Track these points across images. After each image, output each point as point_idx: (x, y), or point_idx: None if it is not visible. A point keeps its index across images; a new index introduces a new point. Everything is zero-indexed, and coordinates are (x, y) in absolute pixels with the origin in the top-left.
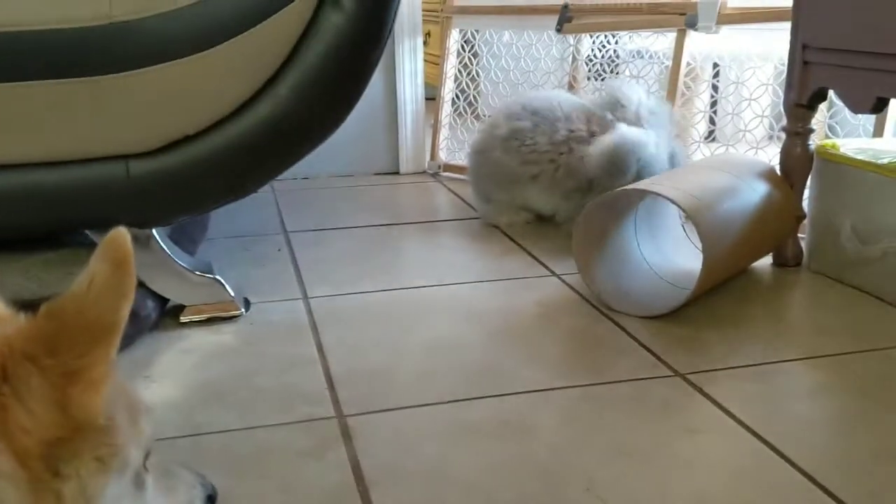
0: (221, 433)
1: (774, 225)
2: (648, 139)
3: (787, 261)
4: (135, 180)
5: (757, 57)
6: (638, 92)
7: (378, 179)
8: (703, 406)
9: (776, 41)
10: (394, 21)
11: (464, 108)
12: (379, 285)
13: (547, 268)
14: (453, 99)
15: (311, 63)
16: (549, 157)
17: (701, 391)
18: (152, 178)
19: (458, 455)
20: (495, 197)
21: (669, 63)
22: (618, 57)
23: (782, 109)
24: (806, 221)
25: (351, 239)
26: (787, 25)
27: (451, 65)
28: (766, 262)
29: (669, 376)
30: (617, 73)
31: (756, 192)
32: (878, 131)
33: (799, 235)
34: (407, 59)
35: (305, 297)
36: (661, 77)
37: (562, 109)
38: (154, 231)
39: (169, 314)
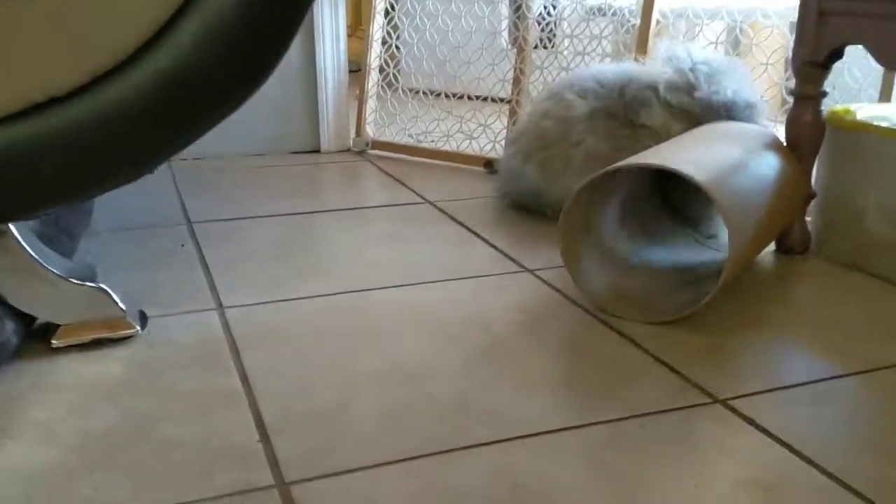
0: None
1: (786, 205)
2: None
3: (795, 247)
4: None
5: (703, 13)
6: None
7: (296, 159)
8: (768, 449)
9: None
10: None
11: (394, 75)
12: (312, 289)
13: (516, 262)
14: (381, 66)
15: (222, 4)
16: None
17: (757, 426)
18: (9, 153)
19: None
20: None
21: (635, 21)
22: (572, 15)
23: (791, 68)
24: (814, 201)
25: (270, 230)
26: None
27: (377, 25)
28: (767, 250)
29: (708, 403)
30: (573, 34)
31: (768, 166)
32: (886, 96)
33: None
34: (328, 20)
35: (220, 308)
36: (623, 36)
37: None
38: (12, 226)
39: (36, 337)
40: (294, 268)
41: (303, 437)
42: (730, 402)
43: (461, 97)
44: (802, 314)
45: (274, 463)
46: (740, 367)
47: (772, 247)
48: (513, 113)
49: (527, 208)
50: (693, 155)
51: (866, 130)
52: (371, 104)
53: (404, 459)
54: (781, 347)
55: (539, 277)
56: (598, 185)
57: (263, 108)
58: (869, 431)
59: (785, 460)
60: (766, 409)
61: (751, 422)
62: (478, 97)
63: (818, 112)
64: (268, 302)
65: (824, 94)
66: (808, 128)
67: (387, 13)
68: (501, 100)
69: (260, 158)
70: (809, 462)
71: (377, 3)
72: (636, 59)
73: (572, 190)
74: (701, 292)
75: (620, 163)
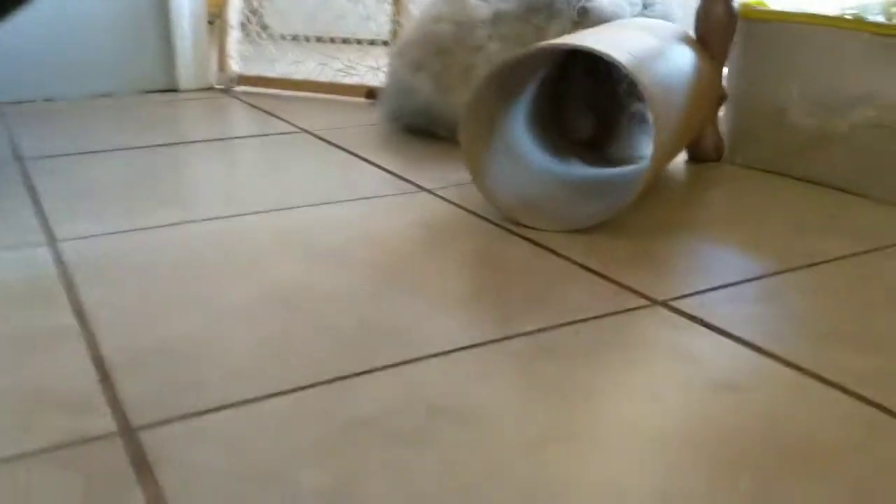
0: None
1: (702, 105)
2: None
3: (708, 154)
4: None
5: None
6: None
7: (150, 99)
8: (726, 348)
9: None
10: None
11: (259, 3)
12: (166, 217)
13: (411, 182)
14: None
15: None
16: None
17: (708, 325)
18: None
19: (360, 484)
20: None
21: None
22: None
23: None
24: (725, 105)
25: (118, 163)
26: None
27: None
28: (678, 159)
29: (647, 306)
30: None
31: (685, 60)
32: None
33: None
34: None
35: (52, 241)
36: None
37: None
38: None
39: None
40: (145, 197)
41: (154, 376)
42: (671, 302)
43: (342, 41)
44: (729, 216)
45: (116, 406)
46: (674, 268)
47: (682, 156)
48: (396, 35)
49: (418, 130)
50: (609, 37)
51: (787, 20)
52: (234, 35)
53: (290, 391)
54: (713, 248)
55: (439, 196)
56: (503, 83)
57: (112, 45)
58: (827, 323)
59: (748, 359)
60: (713, 308)
61: (700, 321)
62: (358, 41)
63: (730, 3)
64: (111, 233)
65: None
66: (720, 21)
67: None
68: (385, 43)
69: (109, 98)
70: (776, 358)
71: None
72: None
73: (475, 85)
74: (615, 200)
75: (533, 46)
